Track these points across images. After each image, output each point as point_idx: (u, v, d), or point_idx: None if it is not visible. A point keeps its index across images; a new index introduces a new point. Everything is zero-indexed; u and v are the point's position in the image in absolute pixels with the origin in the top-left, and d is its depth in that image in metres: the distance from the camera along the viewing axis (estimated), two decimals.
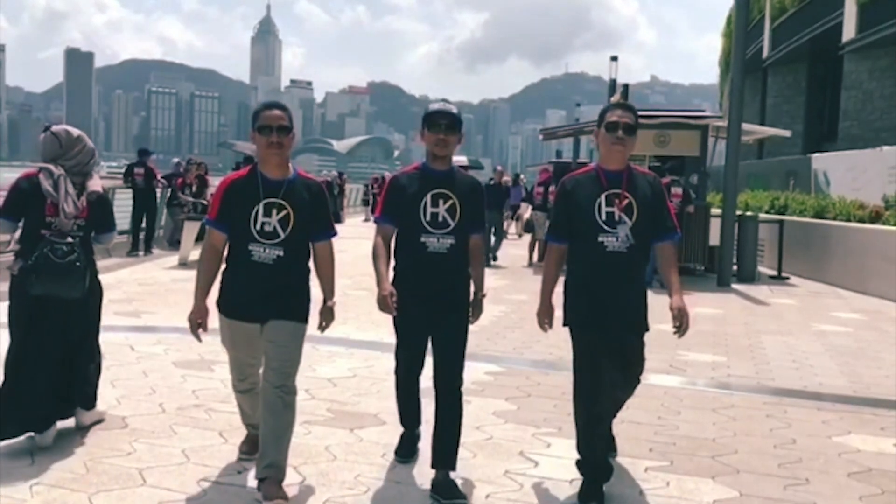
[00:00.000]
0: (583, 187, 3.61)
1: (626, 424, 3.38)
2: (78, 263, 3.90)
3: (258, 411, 3.54)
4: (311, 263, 3.64)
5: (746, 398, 5.47)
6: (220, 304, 3.60)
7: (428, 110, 3.68)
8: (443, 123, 3.60)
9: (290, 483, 3.52)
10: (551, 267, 3.72)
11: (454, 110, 3.67)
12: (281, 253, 3.46)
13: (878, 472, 4.07)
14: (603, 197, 3.54)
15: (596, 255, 3.51)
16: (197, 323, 3.56)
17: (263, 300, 3.46)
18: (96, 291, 4.17)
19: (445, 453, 3.54)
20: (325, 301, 3.65)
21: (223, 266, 3.58)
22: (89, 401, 4.25)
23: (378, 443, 4.17)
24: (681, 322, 3.50)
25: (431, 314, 3.60)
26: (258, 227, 3.44)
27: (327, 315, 3.65)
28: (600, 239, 3.50)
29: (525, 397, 5.25)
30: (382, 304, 3.53)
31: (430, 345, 3.67)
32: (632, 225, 3.50)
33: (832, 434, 4.69)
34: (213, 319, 3.63)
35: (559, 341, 7.25)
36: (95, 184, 4.13)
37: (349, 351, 6.21)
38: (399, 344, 3.80)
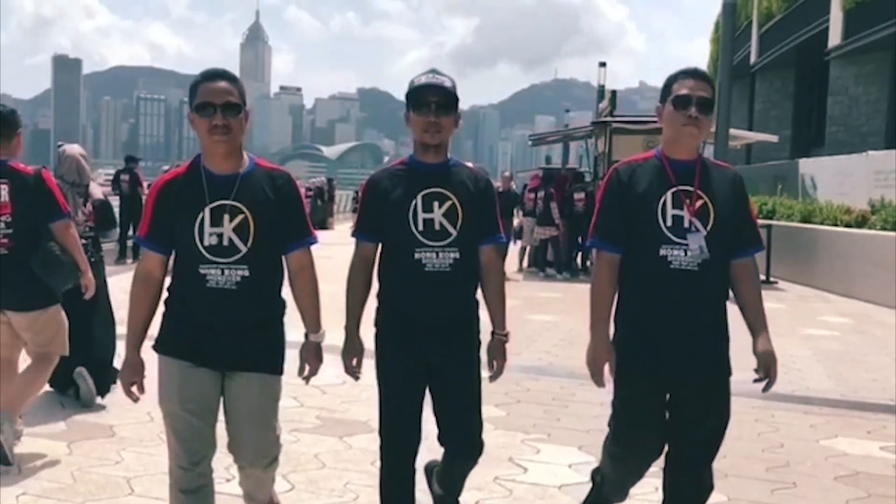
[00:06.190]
0: (641, 180, 2.69)
1: None
2: (93, 259, 4.69)
3: None
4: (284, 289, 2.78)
5: (735, 402, 5.46)
6: (160, 343, 2.69)
7: (412, 85, 2.76)
8: (433, 102, 2.71)
9: (279, 491, 3.51)
10: (604, 285, 2.70)
11: (447, 83, 2.75)
12: (246, 273, 2.57)
13: (864, 476, 4.10)
14: (669, 195, 2.65)
15: (656, 274, 2.64)
16: (130, 383, 2.69)
17: (227, 340, 2.61)
18: (103, 278, 5.06)
19: (451, 492, 3.15)
20: (306, 336, 2.75)
21: (165, 296, 2.72)
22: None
23: (367, 450, 4.16)
24: (767, 371, 2.81)
25: (431, 355, 2.83)
26: (206, 241, 2.56)
27: (312, 356, 2.74)
28: (663, 252, 2.62)
29: (514, 403, 5.26)
30: (346, 362, 2.97)
31: (428, 396, 2.96)
32: (706, 234, 2.64)
33: (819, 438, 4.72)
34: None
35: (549, 346, 7.27)
36: (96, 191, 5.11)
37: (338, 358, 6.16)
38: (385, 407, 2.91)
